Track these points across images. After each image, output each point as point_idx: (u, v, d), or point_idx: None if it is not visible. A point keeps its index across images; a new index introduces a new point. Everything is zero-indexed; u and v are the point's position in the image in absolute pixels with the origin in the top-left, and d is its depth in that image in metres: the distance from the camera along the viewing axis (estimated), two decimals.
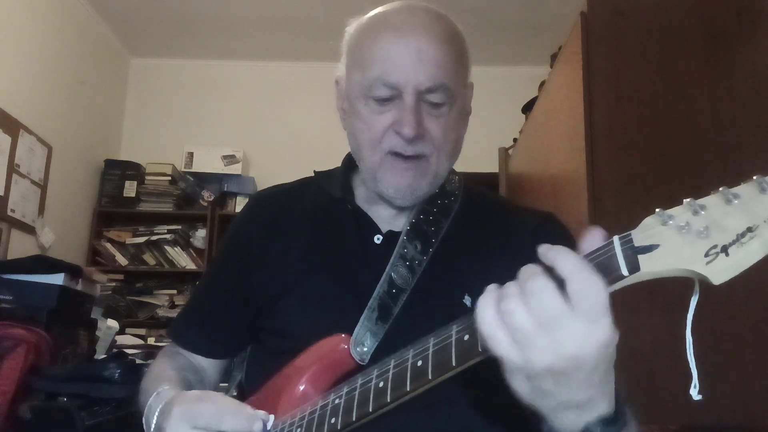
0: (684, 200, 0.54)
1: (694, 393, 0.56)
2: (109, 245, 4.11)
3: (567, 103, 2.19)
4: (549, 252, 0.57)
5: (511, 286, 0.58)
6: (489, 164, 3.45)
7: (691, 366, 0.56)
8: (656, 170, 1.87)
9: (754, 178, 0.52)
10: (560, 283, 0.55)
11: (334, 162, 1.09)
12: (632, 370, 1.74)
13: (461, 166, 1.02)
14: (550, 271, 0.56)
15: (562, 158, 2.28)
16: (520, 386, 0.59)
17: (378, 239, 0.97)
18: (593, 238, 0.59)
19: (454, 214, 0.97)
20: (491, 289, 0.60)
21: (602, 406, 0.61)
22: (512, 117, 3.39)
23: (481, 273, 0.92)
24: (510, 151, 3.43)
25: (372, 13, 0.96)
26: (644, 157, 1.90)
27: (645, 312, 1.72)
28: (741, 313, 1.73)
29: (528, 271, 0.57)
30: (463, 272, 0.93)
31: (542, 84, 2.77)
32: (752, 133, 1.81)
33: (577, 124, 2.02)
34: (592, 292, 0.54)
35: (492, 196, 1.12)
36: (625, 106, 1.96)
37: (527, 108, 3.04)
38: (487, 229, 0.99)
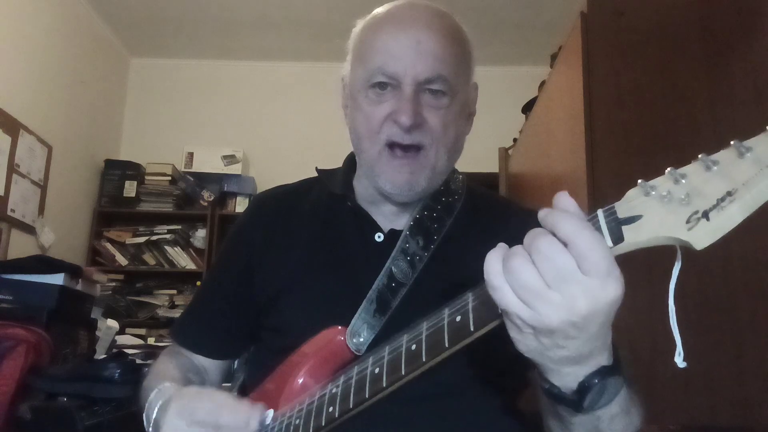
0: (666, 170, 0.55)
1: (679, 360, 0.56)
2: (109, 245, 4.12)
3: (567, 103, 2.19)
4: (548, 216, 0.57)
5: (518, 247, 0.58)
6: (489, 164, 3.45)
7: (674, 333, 0.56)
8: (656, 170, 1.86)
9: (732, 143, 0.52)
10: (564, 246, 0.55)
11: (335, 162, 1.10)
12: (632, 369, 1.74)
13: (461, 166, 1.02)
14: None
15: (562, 158, 2.28)
16: (527, 343, 0.60)
17: (379, 237, 0.97)
18: (565, 202, 0.58)
19: (457, 213, 0.98)
20: (500, 246, 0.60)
21: (602, 357, 0.62)
22: (512, 117, 3.39)
23: (481, 271, 0.93)
24: (510, 151, 3.43)
25: (376, 11, 0.97)
26: (644, 157, 1.90)
27: (644, 312, 1.72)
28: (741, 313, 1.73)
29: (534, 232, 0.57)
30: (463, 270, 0.93)
31: (542, 84, 2.77)
32: (752, 133, 1.81)
33: (577, 124, 2.02)
34: (598, 250, 0.54)
35: (494, 196, 1.13)
36: (625, 106, 1.95)
37: (527, 108, 3.04)
38: (489, 228, 0.99)
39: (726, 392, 1.66)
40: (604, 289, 0.54)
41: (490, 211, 1.03)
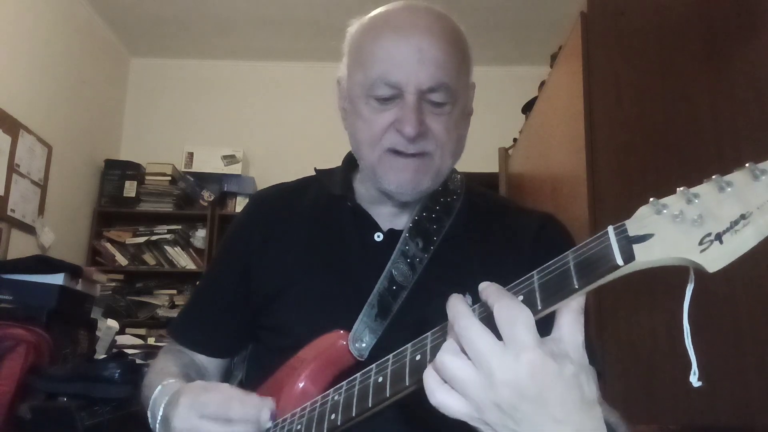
0: (677, 189, 0.54)
1: (694, 380, 0.55)
2: (109, 245, 4.11)
3: (567, 103, 2.19)
4: (482, 290, 0.59)
5: (447, 342, 0.59)
6: (489, 164, 3.45)
7: (690, 353, 0.55)
8: (656, 170, 1.87)
9: (747, 165, 0.51)
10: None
11: (335, 162, 1.09)
12: (632, 369, 1.74)
13: (461, 166, 1.02)
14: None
15: (562, 158, 2.28)
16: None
17: (378, 237, 0.97)
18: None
19: (456, 213, 0.98)
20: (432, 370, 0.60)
21: None
22: (512, 117, 3.39)
23: (481, 272, 0.92)
24: (510, 151, 3.43)
25: (373, 13, 0.96)
26: (644, 157, 1.90)
27: (645, 312, 1.72)
28: (741, 314, 1.73)
29: (455, 318, 0.58)
30: (463, 271, 0.93)
31: (542, 84, 2.77)
32: (752, 133, 1.81)
33: (577, 124, 2.02)
34: (512, 317, 0.55)
35: (493, 196, 1.12)
36: (625, 106, 1.95)
37: (527, 108, 3.04)
38: (489, 228, 0.99)
39: (726, 392, 1.66)
40: (518, 357, 0.54)
41: (489, 211, 1.02)
